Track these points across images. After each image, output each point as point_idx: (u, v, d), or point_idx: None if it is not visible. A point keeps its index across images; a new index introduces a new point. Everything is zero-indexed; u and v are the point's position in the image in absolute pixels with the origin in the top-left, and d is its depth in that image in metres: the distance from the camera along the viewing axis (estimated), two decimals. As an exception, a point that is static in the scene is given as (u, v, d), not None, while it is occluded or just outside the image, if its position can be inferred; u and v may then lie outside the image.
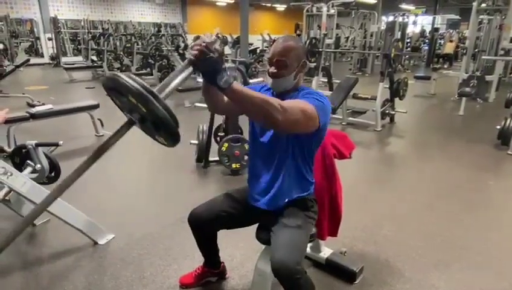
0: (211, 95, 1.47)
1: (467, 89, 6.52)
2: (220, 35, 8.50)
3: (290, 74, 1.45)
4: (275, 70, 1.45)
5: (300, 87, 1.52)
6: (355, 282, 1.98)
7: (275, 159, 1.53)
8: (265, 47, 12.96)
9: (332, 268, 2.04)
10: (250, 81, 3.70)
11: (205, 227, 1.72)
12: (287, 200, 1.56)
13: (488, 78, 7.20)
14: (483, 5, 7.70)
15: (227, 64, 1.19)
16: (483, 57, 7.83)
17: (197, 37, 1.16)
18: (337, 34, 11.85)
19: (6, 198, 2.18)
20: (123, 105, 1.17)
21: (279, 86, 1.49)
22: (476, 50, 8.31)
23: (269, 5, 20.25)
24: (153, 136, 1.20)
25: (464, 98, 6.34)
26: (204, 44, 1.11)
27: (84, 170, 1.25)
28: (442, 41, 15.44)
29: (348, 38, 14.41)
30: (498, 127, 4.46)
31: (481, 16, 8.39)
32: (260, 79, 4.70)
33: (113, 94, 1.14)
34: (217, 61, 1.13)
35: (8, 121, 3.39)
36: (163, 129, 1.08)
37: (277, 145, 1.51)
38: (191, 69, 1.14)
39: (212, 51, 1.12)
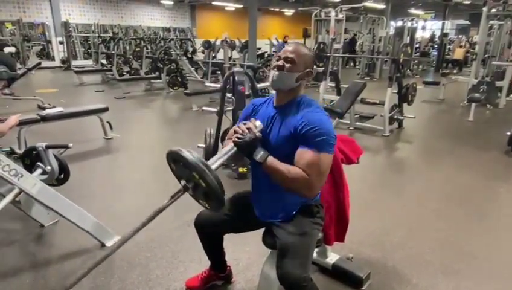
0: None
1: (477, 95, 6.45)
2: (228, 40, 8.53)
3: (295, 73, 1.46)
4: (281, 64, 1.46)
5: (299, 96, 1.51)
6: (362, 288, 1.96)
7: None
8: (273, 52, 12.99)
9: (339, 274, 2.03)
10: (258, 85, 3.71)
11: (211, 230, 1.72)
12: (294, 213, 1.55)
13: (498, 83, 7.12)
14: (494, 10, 7.63)
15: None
16: (493, 62, 7.74)
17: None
18: (345, 39, 11.83)
19: (17, 199, 2.21)
20: (180, 174, 1.40)
21: (280, 80, 1.47)
22: (486, 55, 8.22)
23: (277, 9, 20.32)
24: (199, 200, 1.42)
25: (473, 104, 6.27)
26: (246, 128, 1.39)
27: (140, 229, 1.54)
28: (451, 47, 15.33)
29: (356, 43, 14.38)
30: (508, 133, 4.40)
31: (491, 21, 8.31)
32: (267, 84, 4.69)
33: (173, 163, 1.41)
34: (255, 142, 1.38)
35: (19, 123, 3.43)
36: (212, 196, 1.30)
37: (278, 152, 1.45)
38: (235, 149, 1.41)
39: (252, 134, 1.38)
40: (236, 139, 1.38)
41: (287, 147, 1.44)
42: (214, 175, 1.26)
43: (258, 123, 1.45)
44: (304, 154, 1.38)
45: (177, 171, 1.42)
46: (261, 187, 1.61)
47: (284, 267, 1.36)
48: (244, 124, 1.42)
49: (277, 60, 1.50)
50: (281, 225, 1.53)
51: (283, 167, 1.37)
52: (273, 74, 1.48)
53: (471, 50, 11.84)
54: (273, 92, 1.57)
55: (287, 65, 1.45)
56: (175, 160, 1.37)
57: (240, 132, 1.39)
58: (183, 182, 1.38)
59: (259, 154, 1.38)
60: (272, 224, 1.58)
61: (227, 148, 1.43)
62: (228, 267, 1.99)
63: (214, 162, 1.37)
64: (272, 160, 1.38)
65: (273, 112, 1.53)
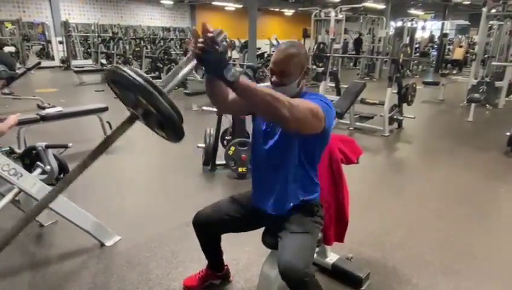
0: (215, 91, 1.42)
1: (476, 95, 6.45)
2: (228, 40, 8.54)
3: (293, 81, 1.43)
4: (277, 80, 1.43)
5: (303, 92, 1.51)
6: (362, 288, 1.96)
7: (278, 164, 1.52)
8: (273, 52, 13.01)
9: (339, 274, 2.03)
10: (258, 85, 3.71)
11: (210, 230, 1.72)
12: (292, 204, 1.55)
13: (497, 84, 7.13)
14: (493, 10, 7.63)
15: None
16: (493, 62, 7.75)
17: (195, 31, 1.11)
18: (345, 39, 11.83)
19: (16, 198, 2.21)
20: (125, 99, 1.14)
21: (283, 93, 1.46)
22: (486, 56, 8.23)
23: (277, 9, 20.33)
24: (156, 130, 1.19)
25: (473, 104, 6.27)
26: (209, 36, 1.05)
27: (87, 165, 1.21)
28: (451, 47, 15.33)
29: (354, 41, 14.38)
30: (508, 133, 4.40)
31: (491, 22, 8.32)
32: (268, 83, 4.69)
33: (115, 87, 1.12)
34: (223, 54, 1.07)
35: (18, 123, 3.43)
36: (168, 125, 1.06)
37: (280, 150, 1.50)
38: (194, 62, 1.09)
39: (217, 43, 1.05)
40: (197, 51, 1.06)
41: (290, 141, 1.44)
42: (165, 99, 1.01)
43: (218, 29, 1.10)
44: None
45: (121, 96, 1.16)
46: (261, 174, 1.60)
47: (285, 262, 1.35)
48: (208, 29, 1.06)
49: (271, 74, 1.45)
50: (282, 224, 1.53)
51: (258, 86, 1.19)
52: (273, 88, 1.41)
53: (471, 50, 11.86)
54: None
55: (283, 80, 1.42)
56: (115, 81, 1.08)
57: (201, 40, 1.06)
58: (129, 108, 1.14)
59: (230, 71, 1.08)
60: (273, 219, 1.58)
61: (183, 61, 1.12)
62: (225, 267, 1.99)
63: (166, 84, 1.09)
64: (245, 79, 1.15)
65: None
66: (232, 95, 1.45)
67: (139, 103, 1.06)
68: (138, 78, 0.98)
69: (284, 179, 1.52)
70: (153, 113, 1.04)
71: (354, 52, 13.88)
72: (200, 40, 1.06)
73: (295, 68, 1.42)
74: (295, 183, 1.53)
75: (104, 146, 1.19)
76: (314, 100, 1.35)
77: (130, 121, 1.14)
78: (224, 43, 1.09)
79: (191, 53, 1.09)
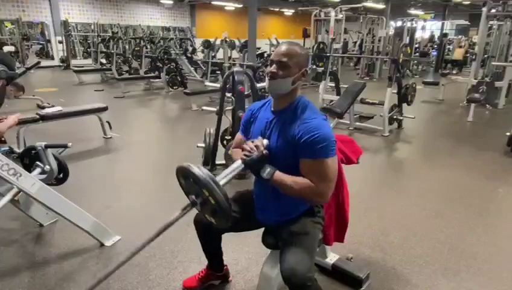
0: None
1: (476, 95, 6.46)
2: (227, 39, 8.53)
3: (289, 77, 1.42)
4: (275, 70, 1.42)
5: (297, 98, 1.48)
6: (362, 288, 1.96)
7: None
8: (273, 51, 12.98)
9: (339, 274, 2.03)
10: (258, 85, 3.71)
11: (210, 229, 1.72)
12: (294, 215, 1.55)
13: (497, 84, 7.12)
14: (493, 10, 7.63)
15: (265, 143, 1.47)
16: (492, 63, 7.75)
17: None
18: (345, 39, 11.82)
19: (16, 198, 2.21)
20: (189, 189, 1.41)
21: (276, 87, 1.44)
22: (486, 56, 8.23)
23: (277, 9, 20.30)
24: (207, 216, 1.44)
25: (472, 104, 6.27)
26: (254, 146, 1.39)
27: (145, 245, 1.58)
28: (451, 47, 15.32)
29: (355, 43, 14.39)
30: (508, 133, 4.40)
31: (491, 22, 8.31)
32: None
33: (182, 179, 1.43)
34: (262, 160, 1.39)
35: (18, 123, 3.43)
36: (219, 214, 1.31)
37: (276, 159, 1.45)
38: (242, 165, 1.42)
39: (259, 152, 1.38)
40: (244, 157, 1.40)
41: (288, 154, 1.43)
42: (223, 193, 1.26)
43: (265, 141, 1.44)
44: (307, 164, 1.38)
45: (185, 186, 1.44)
46: (262, 191, 1.60)
47: (289, 266, 1.35)
48: (252, 141, 1.42)
49: (270, 64, 1.46)
50: (283, 225, 1.53)
51: (290, 180, 1.38)
52: (268, 80, 1.44)
53: (471, 50, 11.85)
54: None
55: (281, 72, 1.41)
56: (185, 176, 1.38)
57: (248, 149, 1.40)
58: (192, 197, 1.39)
59: (266, 171, 1.38)
60: (274, 224, 1.58)
61: (234, 165, 1.44)
62: (225, 267, 1.98)
63: (222, 179, 1.39)
64: (278, 175, 1.38)
65: (271, 117, 1.51)
66: None
67: (200, 193, 1.34)
68: (203, 175, 1.27)
69: (282, 196, 1.46)
70: (210, 203, 1.30)
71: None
72: (246, 152, 1.40)
73: (295, 64, 1.42)
74: (293, 199, 1.48)
75: (166, 227, 1.47)
76: (322, 149, 1.35)
77: (190, 207, 1.41)
78: (266, 151, 1.40)
79: (241, 160, 1.42)
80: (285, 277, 1.35)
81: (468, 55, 12.80)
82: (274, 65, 1.43)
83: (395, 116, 5.49)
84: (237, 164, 1.44)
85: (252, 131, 1.60)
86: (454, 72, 12.26)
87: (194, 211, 1.70)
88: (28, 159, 2.45)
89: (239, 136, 1.71)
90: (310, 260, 1.41)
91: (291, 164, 1.42)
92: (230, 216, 1.32)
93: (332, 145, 1.38)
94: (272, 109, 1.53)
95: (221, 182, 1.35)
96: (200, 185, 1.28)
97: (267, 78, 1.45)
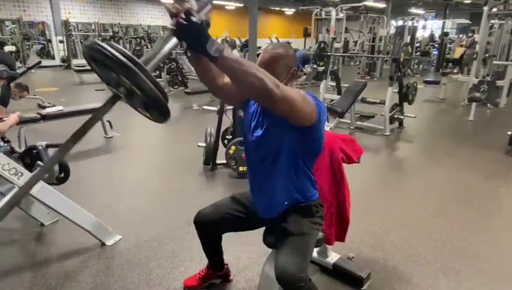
0: (204, 70, 1.37)
1: (477, 94, 6.44)
2: (228, 39, 8.53)
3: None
4: None
5: None
6: (362, 288, 1.96)
7: (265, 159, 1.47)
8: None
9: (339, 273, 2.02)
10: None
11: (211, 229, 1.72)
12: (286, 203, 1.51)
13: (498, 83, 7.10)
14: (494, 9, 7.61)
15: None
16: (494, 62, 7.73)
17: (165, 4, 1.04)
18: (345, 38, 11.81)
19: (17, 198, 2.21)
20: (106, 77, 1.05)
21: None
22: (487, 55, 8.21)
23: (278, 8, 20.29)
24: (140, 110, 1.13)
25: (474, 104, 6.26)
26: (184, 10, 0.99)
27: (68, 149, 1.20)
28: (451, 46, 15.30)
29: (356, 42, 14.37)
30: (509, 132, 4.39)
31: (492, 21, 8.30)
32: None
33: (94, 65, 1.03)
34: (202, 28, 1.00)
35: (19, 122, 3.43)
36: (152, 104, 0.99)
37: (267, 142, 1.44)
38: (175, 40, 1.01)
39: (192, 15, 0.99)
40: (172, 27, 1.01)
41: (276, 137, 1.40)
42: (149, 77, 0.93)
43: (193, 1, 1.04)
44: None
45: (101, 74, 1.08)
46: (255, 183, 1.59)
47: (281, 266, 1.35)
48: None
49: None
50: (280, 224, 1.52)
51: (240, 58, 1.13)
52: None
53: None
54: None
55: None
56: (94, 59, 0.98)
57: (177, 12, 1.00)
58: (110, 88, 1.06)
59: (214, 45, 1.02)
60: (272, 223, 1.57)
61: (162, 39, 1.06)
62: (226, 266, 1.98)
63: (148, 61, 1.00)
64: (229, 52, 1.09)
65: (256, 106, 1.50)
66: (224, 78, 1.42)
67: (121, 82, 0.98)
68: (119, 56, 0.90)
69: (273, 177, 1.47)
70: (136, 93, 0.96)
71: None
72: (177, 16, 0.99)
73: (282, 69, 1.39)
74: (288, 182, 1.48)
75: (85, 128, 1.16)
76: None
77: (112, 101, 1.06)
78: (207, 15, 1.03)
79: (169, 30, 1.02)
80: (277, 277, 1.34)
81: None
82: None
83: (396, 116, 5.48)
84: (166, 38, 1.04)
85: (247, 115, 1.56)
86: (455, 71, 12.24)
87: (195, 210, 1.71)
88: (29, 158, 2.46)
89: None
90: (302, 260, 1.40)
91: (279, 150, 1.40)
92: (166, 107, 1.00)
93: (319, 103, 1.33)
94: None
95: (149, 65, 0.99)
96: (116, 70, 0.94)
97: None
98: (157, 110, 1.02)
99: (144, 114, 1.12)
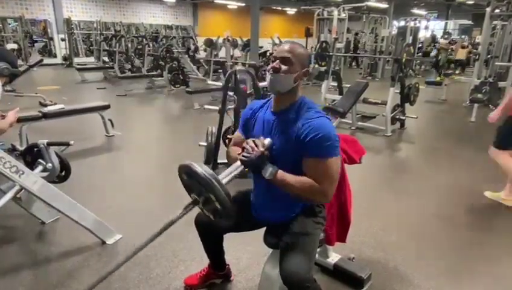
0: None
1: (479, 95, 6.41)
2: (230, 38, 8.51)
3: (292, 73, 1.40)
4: (277, 65, 1.40)
5: (299, 98, 1.46)
6: (363, 289, 1.96)
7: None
8: (275, 50, 12.94)
9: (340, 274, 2.02)
10: (260, 84, 3.70)
11: (211, 229, 1.72)
12: (294, 214, 1.55)
13: (500, 84, 7.08)
14: (497, 10, 7.58)
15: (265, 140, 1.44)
16: (496, 63, 7.70)
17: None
18: (347, 38, 11.79)
19: (17, 196, 2.21)
20: (191, 186, 1.38)
21: (277, 82, 1.41)
22: (489, 56, 8.18)
23: (280, 8, 20.28)
24: (206, 212, 1.41)
25: (475, 105, 6.25)
26: (259, 153, 1.35)
27: (147, 244, 1.54)
28: (453, 47, 15.26)
29: (365, 43, 14.31)
30: None
31: (494, 22, 8.27)
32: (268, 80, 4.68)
33: (186, 177, 1.38)
34: (262, 160, 1.36)
35: (20, 120, 3.43)
36: (222, 213, 1.30)
37: (278, 166, 1.42)
38: (242, 167, 1.40)
39: (258, 152, 1.35)
40: (242, 158, 1.37)
41: (290, 155, 1.41)
42: (225, 192, 1.24)
43: (267, 141, 1.42)
44: (312, 163, 1.37)
45: (188, 184, 1.41)
46: (261, 189, 1.60)
47: (288, 267, 1.35)
48: (253, 141, 1.39)
49: (273, 61, 1.44)
50: (284, 225, 1.52)
51: (293, 180, 1.36)
52: (269, 76, 1.42)
53: (474, 50, 11.80)
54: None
55: (284, 67, 1.40)
56: (187, 174, 1.35)
57: (248, 148, 1.37)
58: (193, 195, 1.37)
59: (268, 171, 1.36)
60: (274, 224, 1.57)
61: (234, 166, 1.42)
62: (227, 266, 1.98)
63: (224, 178, 1.36)
64: (281, 175, 1.37)
65: (272, 119, 1.48)
66: None
67: (203, 192, 1.32)
68: (209, 177, 1.24)
69: (280, 195, 1.45)
70: (212, 202, 1.29)
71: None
72: (245, 152, 1.38)
73: (297, 60, 1.41)
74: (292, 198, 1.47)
75: (167, 226, 1.45)
76: (327, 148, 1.35)
77: (192, 205, 1.39)
78: (266, 151, 1.38)
79: (240, 161, 1.40)
80: (284, 278, 1.35)
81: (471, 55, 12.73)
82: (277, 61, 1.42)
83: (397, 116, 5.47)
84: (237, 164, 1.42)
85: (254, 131, 1.57)
86: (457, 72, 12.21)
87: (196, 210, 1.70)
88: (30, 156, 2.45)
89: (237, 133, 1.69)
90: (309, 261, 1.41)
91: (293, 166, 1.41)
92: (233, 216, 1.31)
93: (336, 144, 1.38)
94: (272, 109, 1.50)
95: (224, 181, 1.32)
96: (203, 184, 1.26)
97: (268, 75, 1.42)
98: (225, 216, 1.33)
99: (211, 218, 1.41)
